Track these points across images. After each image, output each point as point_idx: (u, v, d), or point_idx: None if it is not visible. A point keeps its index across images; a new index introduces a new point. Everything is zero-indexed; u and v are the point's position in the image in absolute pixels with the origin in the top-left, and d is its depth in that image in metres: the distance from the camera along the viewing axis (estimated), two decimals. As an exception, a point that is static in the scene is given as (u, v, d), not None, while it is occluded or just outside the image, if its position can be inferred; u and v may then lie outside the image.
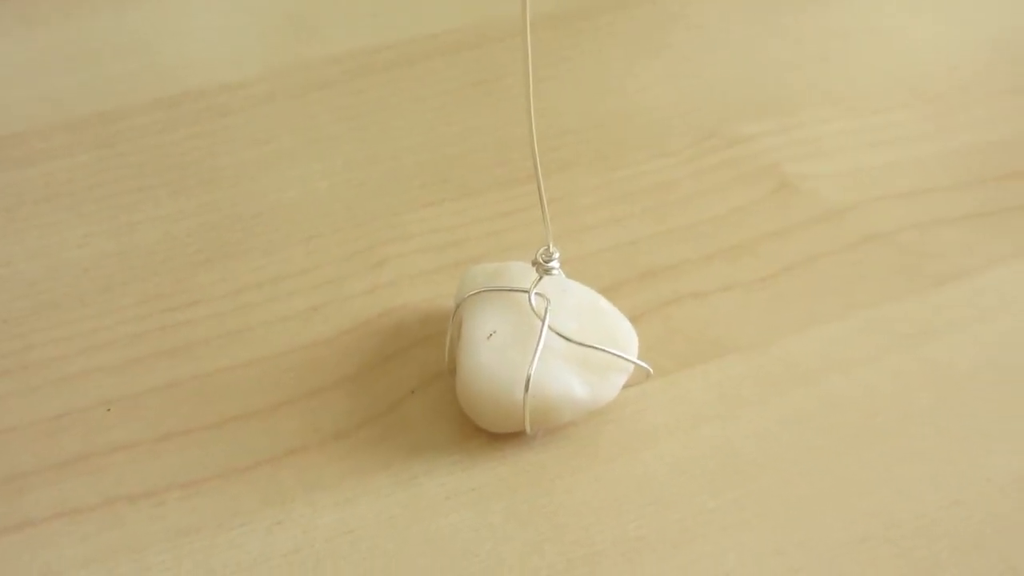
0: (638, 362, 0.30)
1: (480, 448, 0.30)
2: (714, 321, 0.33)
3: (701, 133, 0.40)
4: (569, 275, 0.31)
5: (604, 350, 0.29)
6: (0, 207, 0.37)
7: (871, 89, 0.42)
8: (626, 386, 0.30)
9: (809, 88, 0.42)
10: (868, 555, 0.28)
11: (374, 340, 0.33)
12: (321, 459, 0.30)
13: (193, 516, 0.29)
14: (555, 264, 0.30)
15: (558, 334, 0.29)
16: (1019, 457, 0.30)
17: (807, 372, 0.32)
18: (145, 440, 0.30)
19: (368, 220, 0.37)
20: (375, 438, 0.30)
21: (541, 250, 0.30)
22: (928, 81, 0.42)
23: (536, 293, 0.30)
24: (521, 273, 0.31)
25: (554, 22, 0.45)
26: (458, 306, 0.31)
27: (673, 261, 0.35)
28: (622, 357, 0.30)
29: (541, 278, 0.30)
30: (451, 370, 0.31)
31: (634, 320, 0.32)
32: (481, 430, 0.30)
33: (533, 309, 0.29)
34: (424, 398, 0.31)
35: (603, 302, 0.31)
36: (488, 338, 0.29)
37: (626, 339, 0.30)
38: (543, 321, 0.29)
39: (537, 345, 0.29)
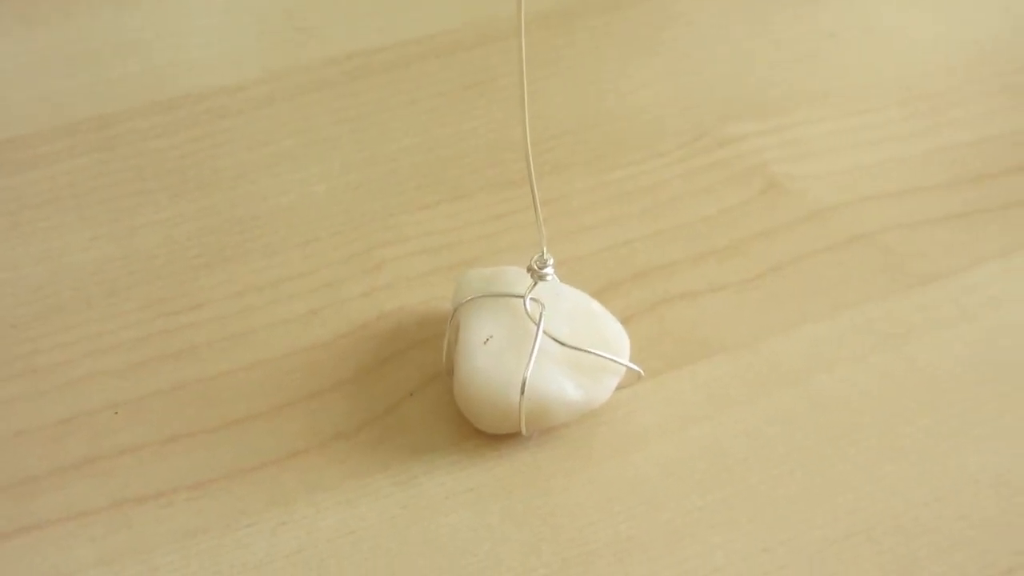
0: (630, 365, 0.31)
1: (477, 449, 0.31)
2: (703, 322, 0.34)
3: (693, 133, 0.40)
4: (564, 276, 0.32)
5: (597, 354, 0.30)
6: (4, 211, 0.38)
7: (860, 88, 0.43)
8: (618, 388, 0.31)
9: (799, 87, 0.43)
10: (851, 553, 0.29)
11: (372, 342, 0.34)
12: (322, 460, 0.31)
13: (200, 517, 0.29)
14: (549, 271, 0.30)
15: (552, 338, 0.30)
16: (1001, 456, 0.31)
17: (794, 372, 0.33)
18: (152, 442, 0.31)
19: (365, 222, 0.37)
20: (375, 439, 0.31)
21: (536, 256, 0.31)
22: (915, 80, 0.43)
23: (531, 298, 0.31)
24: (516, 278, 0.31)
25: (547, 21, 0.46)
26: (455, 311, 0.31)
27: (664, 262, 0.36)
28: (614, 360, 0.30)
29: (536, 284, 0.31)
30: (449, 371, 0.32)
31: (626, 321, 0.33)
32: (478, 431, 0.31)
33: (528, 314, 0.30)
34: (422, 400, 0.32)
35: (596, 305, 0.32)
36: (485, 343, 0.30)
37: (618, 342, 0.31)
38: (538, 326, 0.30)
39: (532, 349, 0.30)
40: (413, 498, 0.30)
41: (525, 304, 0.30)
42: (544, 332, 0.30)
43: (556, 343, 0.30)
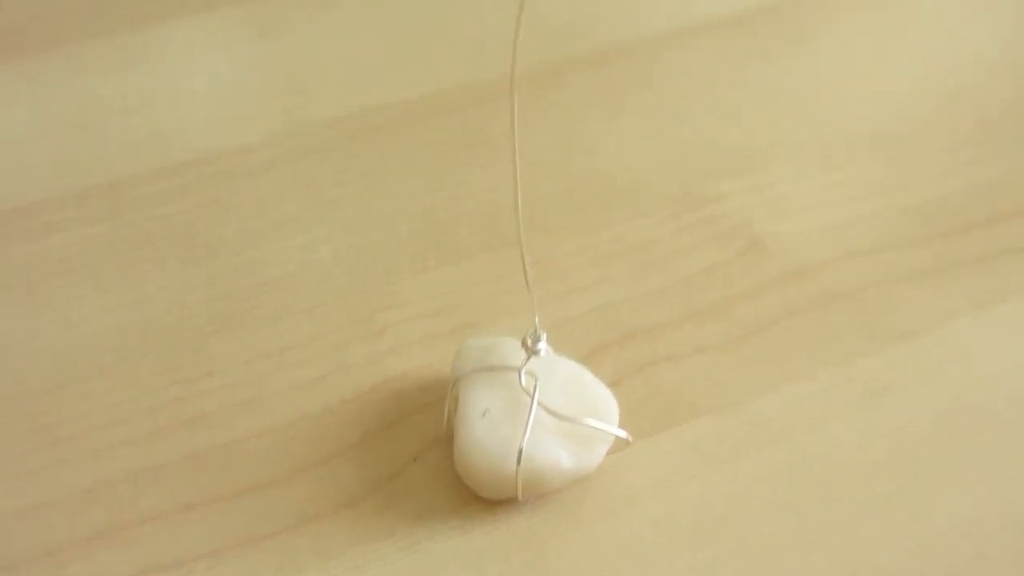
0: (619, 432, 0.33)
1: (477, 513, 0.33)
2: (689, 383, 0.36)
3: (677, 193, 0.42)
4: (555, 339, 0.34)
5: (588, 424, 0.32)
6: (21, 280, 0.40)
7: (835, 142, 0.45)
8: (609, 452, 0.33)
9: (777, 143, 0.44)
10: (830, 610, 0.31)
11: (377, 407, 0.36)
12: (332, 527, 0.33)
13: (218, 585, 0.31)
14: (542, 345, 0.32)
15: (546, 409, 0.32)
16: (977, 508, 0.33)
17: (777, 430, 0.35)
18: (170, 510, 0.33)
19: (368, 287, 0.39)
20: (380, 505, 0.33)
21: (529, 331, 0.32)
22: (890, 133, 0.45)
23: (525, 372, 0.32)
24: (512, 351, 0.33)
25: (538, 78, 0.47)
26: (455, 382, 0.33)
27: (650, 324, 0.38)
28: (604, 430, 0.32)
29: (529, 358, 0.32)
30: (450, 438, 0.34)
31: (615, 384, 0.35)
32: (477, 496, 0.33)
33: (523, 388, 0.32)
34: (425, 465, 0.34)
35: (587, 375, 0.34)
36: (483, 415, 0.32)
37: (608, 409, 0.33)
38: (532, 399, 0.32)
39: (527, 421, 0.32)
40: (417, 563, 0.32)
41: (520, 378, 0.32)
42: (538, 404, 0.32)
43: (550, 414, 0.32)
